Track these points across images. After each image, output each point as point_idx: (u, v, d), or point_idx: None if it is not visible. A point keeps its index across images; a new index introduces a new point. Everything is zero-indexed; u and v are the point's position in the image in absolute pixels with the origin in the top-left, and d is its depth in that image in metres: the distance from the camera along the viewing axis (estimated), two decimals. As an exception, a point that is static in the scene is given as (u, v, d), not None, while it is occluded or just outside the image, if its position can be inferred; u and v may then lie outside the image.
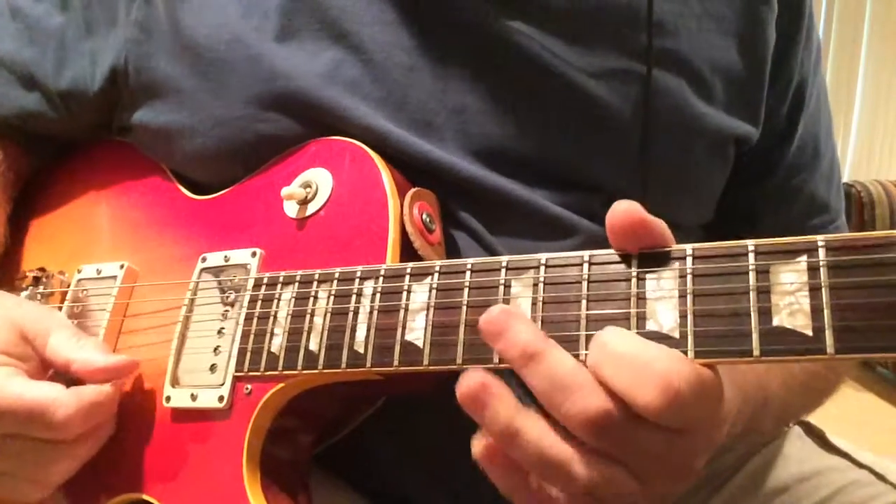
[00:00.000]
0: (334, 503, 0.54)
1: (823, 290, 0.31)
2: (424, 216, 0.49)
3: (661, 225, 0.36)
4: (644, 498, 0.34)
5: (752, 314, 0.33)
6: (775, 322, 0.32)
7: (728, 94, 0.59)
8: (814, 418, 0.69)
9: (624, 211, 0.36)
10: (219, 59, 0.54)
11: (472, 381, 0.35)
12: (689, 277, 0.35)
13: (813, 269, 0.32)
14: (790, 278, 0.32)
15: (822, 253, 0.32)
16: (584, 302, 0.37)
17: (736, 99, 0.59)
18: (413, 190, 0.49)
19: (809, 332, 0.31)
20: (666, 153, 0.56)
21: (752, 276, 0.33)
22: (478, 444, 0.37)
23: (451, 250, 0.52)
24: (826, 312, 0.31)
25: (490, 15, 0.53)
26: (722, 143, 0.59)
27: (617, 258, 0.37)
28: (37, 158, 0.68)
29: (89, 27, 0.59)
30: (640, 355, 0.32)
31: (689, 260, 0.35)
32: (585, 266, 0.38)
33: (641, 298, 0.36)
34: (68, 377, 0.48)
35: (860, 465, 0.63)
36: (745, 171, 0.62)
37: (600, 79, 0.54)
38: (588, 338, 0.36)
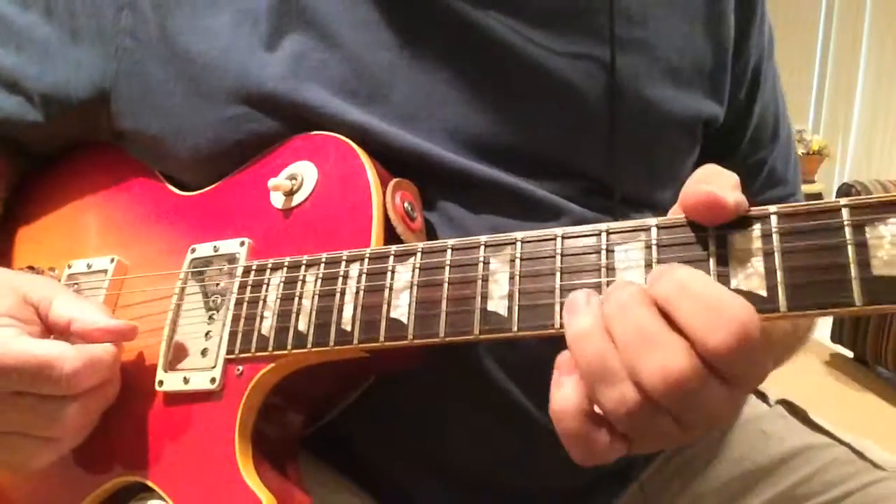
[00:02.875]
0: (324, 488, 0.57)
1: (776, 254, 0.35)
2: (406, 205, 0.53)
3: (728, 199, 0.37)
4: (678, 442, 0.37)
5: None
6: (733, 284, 0.36)
7: (696, 78, 0.64)
8: (816, 417, 0.72)
9: (695, 195, 0.38)
10: (210, 66, 0.57)
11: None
12: (654, 248, 0.39)
13: (766, 236, 0.36)
14: (745, 244, 0.36)
15: (773, 220, 0.36)
16: (558, 274, 0.41)
17: (704, 82, 0.65)
18: (395, 180, 0.53)
19: (764, 293, 0.35)
20: (638, 138, 0.61)
21: (711, 242, 0.37)
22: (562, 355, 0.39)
23: (433, 237, 0.56)
24: (778, 274, 0.35)
25: (466, 8, 0.57)
26: (692, 125, 0.65)
27: (587, 233, 0.41)
28: (16, 165, 0.70)
29: (75, 36, 0.61)
30: (718, 298, 0.34)
31: (654, 230, 0.39)
32: (559, 241, 0.41)
33: (611, 269, 0.39)
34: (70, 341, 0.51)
35: (840, 442, 0.66)
36: (709, 152, 0.68)
37: (572, 64, 0.59)
38: (562, 306, 0.40)
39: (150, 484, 0.52)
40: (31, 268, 0.64)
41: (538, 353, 0.55)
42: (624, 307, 0.36)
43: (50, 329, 0.52)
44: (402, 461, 0.59)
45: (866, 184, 2.72)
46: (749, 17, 0.69)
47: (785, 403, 0.73)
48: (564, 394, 0.37)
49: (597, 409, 0.37)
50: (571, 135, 0.59)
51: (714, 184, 0.37)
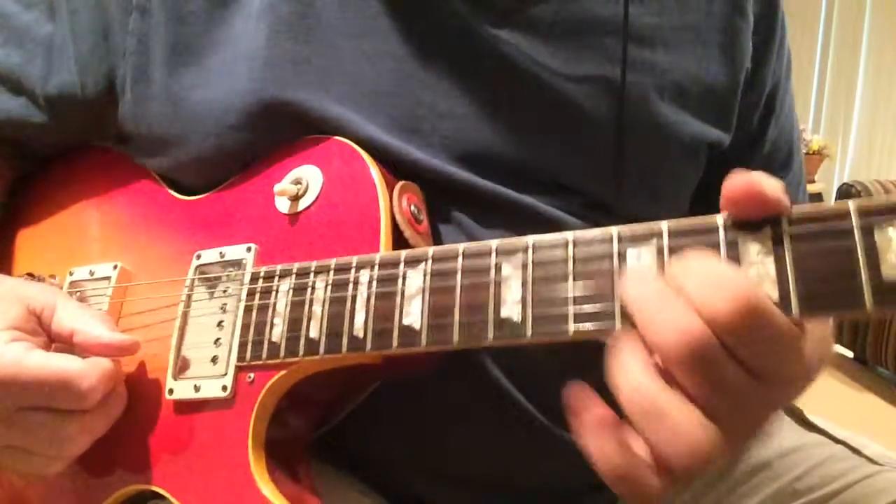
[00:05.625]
0: (334, 491, 0.58)
1: (787, 257, 0.37)
2: (412, 207, 0.54)
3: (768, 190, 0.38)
4: (721, 458, 0.37)
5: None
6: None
7: (703, 102, 0.65)
8: (812, 417, 0.74)
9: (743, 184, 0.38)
10: (221, 73, 0.58)
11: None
12: (665, 252, 0.40)
13: (777, 239, 0.37)
14: (756, 248, 0.37)
15: (784, 224, 0.37)
16: (570, 279, 0.42)
17: (710, 106, 0.66)
18: (400, 183, 0.54)
19: (776, 297, 0.36)
20: (641, 159, 0.62)
21: (722, 247, 0.38)
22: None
23: (439, 241, 0.57)
24: (789, 278, 0.36)
25: (476, 23, 0.58)
26: (695, 148, 0.66)
27: (599, 237, 0.42)
28: (15, 167, 0.71)
29: (77, 35, 0.62)
30: (721, 272, 0.36)
31: (665, 236, 0.40)
32: (570, 246, 0.43)
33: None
34: (70, 350, 0.52)
35: (836, 441, 0.68)
36: (717, 175, 0.68)
37: (579, 85, 0.59)
38: (576, 313, 0.41)
39: (161, 492, 0.53)
40: (30, 275, 0.65)
41: (543, 361, 0.57)
42: (640, 279, 0.38)
43: (53, 339, 0.53)
44: (409, 464, 0.60)
45: (866, 184, 2.73)
46: (768, 42, 0.70)
47: None
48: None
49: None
50: (574, 153, 0.60)
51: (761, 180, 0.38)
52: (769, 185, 0.37)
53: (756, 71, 0.69)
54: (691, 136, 0.64)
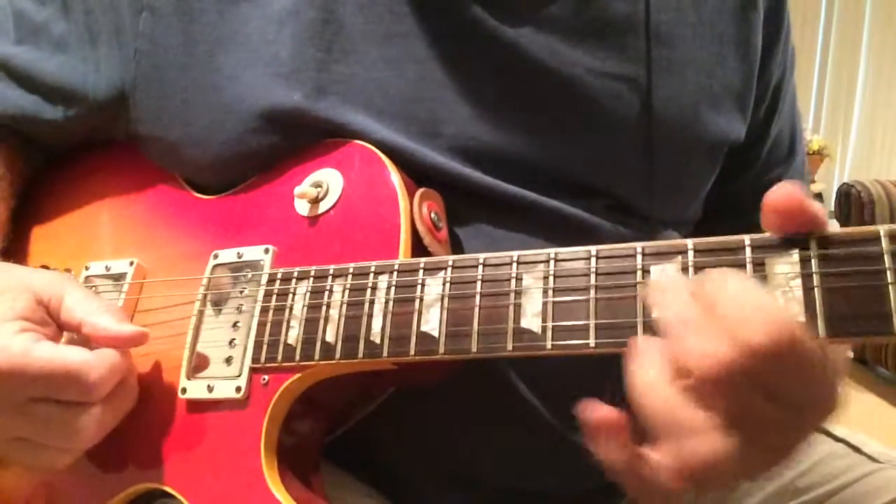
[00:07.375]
0: (343, 494, 0.57)
1: (814, 279, 0.35)
2: (433, 215, 0.53)
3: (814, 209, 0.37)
4: (738, 479, 0.37)
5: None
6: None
7: (726, 99, 0.64)
8: None
9: (785, 195, 0.37)
10: (234, 76, 0.56)
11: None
12: (690, 270, 0.39)
13: (805, 261, 0.36)
14: (784, 269, 0.36)
15: (812, 246, 0.36)
16: (592, 293, 0.41)
17: (733, 103, 0.65)
18: (421, 190, 0.53)
19: (803, 319, 0.35)
20: (668, 159, 0.61)
21: (749, 267, 0.37)
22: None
23: (459, 249, 0.55)
24: (817, 300, 0.35)
25: (496, 24, 0.56)
26: (719, 146, 0.65)
27: (622, 252, 0.41)
28: (29, 163, 0.70)
29: (92, 35, 0.61)
30: (760, 300, 0.34)
31: (690, 253, 0.39)
32: (593, 260, 0.41)
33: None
34: (81, 340, 0.51)
35: (836, 439, 0.67)
36: (724, 168, 0.68)
37: (605, 82, 0.58)
38: (597, 327, 0.40)
39: (171, 491, 0.52)
40: (44, 268, 0.64)
41: (557, 364, 0.56)
42: (665, 292, 0.37)
43: (62, 328, 0.52)
44: (418, 467, 0.59)
45: (866, 184, 2.72)
46: (775, 35, 0.69)
47: None
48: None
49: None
50: (602, 154, 0.59)
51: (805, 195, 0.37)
52: (811, 201, 0.36)
53: (764, 64, 0.68)
54: (716, 134, 0.64)
